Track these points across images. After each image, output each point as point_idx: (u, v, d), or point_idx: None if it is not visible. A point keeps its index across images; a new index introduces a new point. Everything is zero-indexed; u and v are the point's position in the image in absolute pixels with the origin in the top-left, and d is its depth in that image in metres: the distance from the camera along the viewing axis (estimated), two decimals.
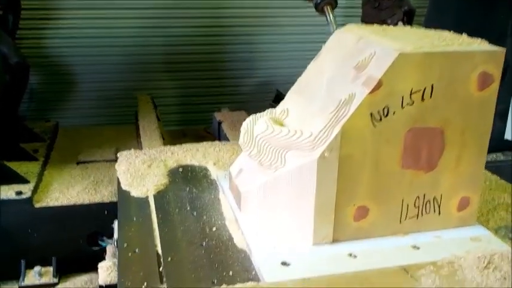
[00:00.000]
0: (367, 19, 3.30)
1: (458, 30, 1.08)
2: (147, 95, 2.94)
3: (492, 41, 1.01)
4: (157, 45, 3.22)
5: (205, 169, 1.41)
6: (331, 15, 1.33)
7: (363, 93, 0.93)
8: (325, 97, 1.05)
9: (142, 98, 2.81)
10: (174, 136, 2.68)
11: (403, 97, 0.95)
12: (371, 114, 0.94)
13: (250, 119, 1.15)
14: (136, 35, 3.13)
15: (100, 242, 1.66)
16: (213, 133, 2.66)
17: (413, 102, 0.96)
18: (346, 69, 1.03)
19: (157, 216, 1.14)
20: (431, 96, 0.97)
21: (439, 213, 1.06)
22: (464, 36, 1.06)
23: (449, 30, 1.09)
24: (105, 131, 2.50)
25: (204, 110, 3.39)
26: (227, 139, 2.25)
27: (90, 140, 2.26)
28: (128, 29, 3.11)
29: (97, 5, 2.97)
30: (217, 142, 1.58)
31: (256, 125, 1.11)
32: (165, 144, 2.06)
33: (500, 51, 0.98)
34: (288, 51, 3.49)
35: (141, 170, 1.36)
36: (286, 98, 1.21)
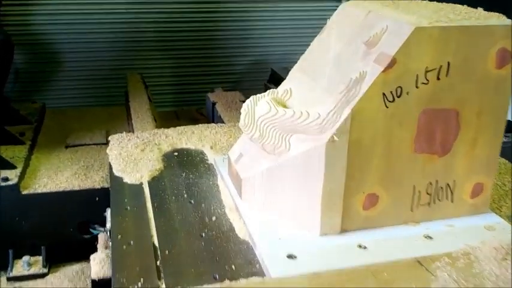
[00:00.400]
0: None
1: None
2: (137, 73, 2.84)
3: None
4: (147, 21, 3.11)
5: (202, 153, 1.34)
6: None
7: (376, 71, 0.86)
8: (333, 75, 0.98)
9: (133, 77, 2.71)
10: (166, 118, 2.60)
11: (417, 76, 0.88)
12: (383, 95, 0.87)
13: (251, 100, 1.07)
14: (125, 11, 3.01)
15: (91, 230, 1.59)
16: (207, 114, 2.58)
17: (428, 82, 0.89)
18: (355, 45, 0.96)
19: (153, 205, 1.07)
20: (447, 74, 0.90)
21: (452, 200, 1.00)
22: (481, 10, 0.99)
23: None
24: (94, 112, 2.42)
25: (197, 91, 3.30)
26: (222, 121, 2.18)
27: (79, 122, 2.17)
28: (117, 4, 2.99)
29: None
30: (213, 124, 1.51)
31: (258, 106, 1.03)
32: (157, 127, 1.99)
33: None
34: (283, 28, 3.40)
35: (134, 155, 1.29)
36: (288, 76, 1.13)
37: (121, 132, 1.46)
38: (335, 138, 0.87)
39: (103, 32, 2.99)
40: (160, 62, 3.26)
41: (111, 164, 1.25)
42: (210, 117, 2.44)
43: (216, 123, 2.36)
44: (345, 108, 0.87)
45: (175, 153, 1.34)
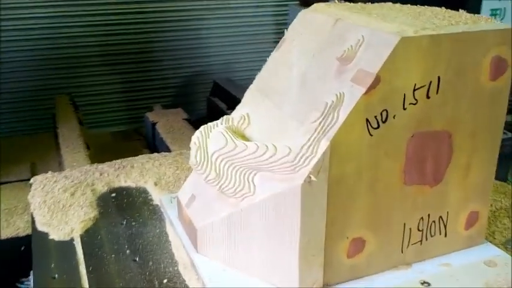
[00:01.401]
0: None
1: None
2: (66, 94, 2.59)
3: None
4: (73, 36, 2.85)
5: (145, 191, 1.14)
6: None
7: (356, 93, 0.70)
8: (300, 98, 0.81)
9: (61, 99, 2.46)
10: (100, 141, 2.35)
11: (405, 95, 0.73)
12: (367, 121, 0.72)
13: (201, 131, 0.89)
14: (50, 26, 2.74)
15: (19, 286, 1.35)
16: (146, 135, 2.37)
17: (417, 101, 0.74)
18: (325, 60, 0.80)
19: (87, 269, 0.85)
20: (437, 91, 0.75)
21: (446, 234, 0.86)
22: (463, 12, 0.86)
23: None
24: (19, 141, 2.14)
25: (135, 107, 3.06)
26: (164, 143, 1.97)
27: (1, 154, 1.90)
28: (44, 19, 2.71)
29: None
30: (156, 155, 1.30)
31: (212, 139, 0.85)
32: (90, 155, 1.76)
33: None
34: (222, 37, 3.23)
35: (62, 201, 1.06)
36: (244, 99, 0.96)
37: (49, 165, 1.24)
38: (312, 178, 0.70)
39: (27, 50, 2.71)
40: (92, 80, 3.00)
41: (33, 216, 1.02)
42: (150, 139, 2.23)
43: (158, 146, 2.16)
44: (322, 140, 0.71)
45: (113, 195, 1.12)
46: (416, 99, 0.74)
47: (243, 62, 3.24)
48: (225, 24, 3.20)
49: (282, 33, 2.90)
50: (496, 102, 0.80)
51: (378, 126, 0.73)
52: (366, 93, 0.69)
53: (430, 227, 0.84)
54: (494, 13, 2.09)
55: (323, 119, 0.71)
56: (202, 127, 0.90)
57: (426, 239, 0.84)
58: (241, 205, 0.79)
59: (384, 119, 0.73)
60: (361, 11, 0.86)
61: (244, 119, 0.90)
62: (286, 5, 3.20)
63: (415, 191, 0.80)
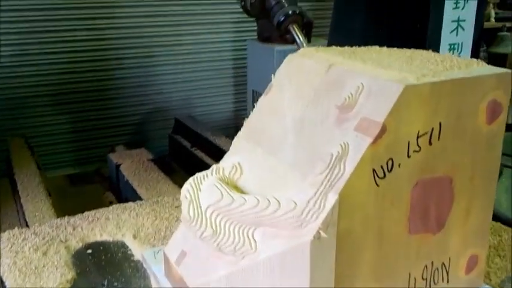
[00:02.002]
0: (266, 33, 3.12)
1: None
2: (21, 136, 2.46)
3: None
4: (29, 75, 2.73)
5: (123, 246, 1.07)
6: (299, 35, 1.06)
7: (363, 143, 0.68)
8: (298, 146, 0.78)
9: (15, 142, 2.33)
10: (60, 186, 2.24)
11: (409, 143, 0.71)
12: (373, 171, 0.69)
13: (191, 183, 0.84)
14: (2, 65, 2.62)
15: None
16: (110, 178, 2.27)
17: (420, 149, 0.73)
18: (322, 107, 0.77)
19: None
20: (439, 137, 0.74)
21: (448, 281, 0.84)
22: (450, 55, 0.86)
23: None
24: None
25: (94, 146, 2.96)
26: (130, 186, 1.89)
27: None
28: None
29: None
30: (131, 204, 1.23)
31: (205, 193, 0.80)
32: (53, 204, 1.66)
33: (508, 73, 0.79)
34: (181, 72, 3.19)
35: (34, 262, 0.98)
36: (233, 147, 0.91)
37: (7, 216, 1.14)
38: (321, 233, 0.67)
39: None
40: (48, 119, 2.88)
41: (3, 280, 0.93)
42: (114, 181, 2.14)
43: (123, 189, 2.07)
44: (329, 193, 0.68)
45: (89, 251, 1.05)
46: (419, 147, 0.72)
47: (203, 97, 3.21)
48: (183, 60, 3.17)
49: (241, 68, 2.92)
50: (492, 145, 0.81)
51: (384, 176, 0.70)
52: (372, 142, 0.67)
53: (434, 274, 0.82)
54: (452, 47, 2.16)
55: (329, 171, 0.68)
56: (191, 179, 0.85)
57: (430, 287, 0.82)
58: (242, 263, 0.74)
59: (389, 168, 0.70)
60: (352, 56, 0.85)
61: (236, 168, 0.86)
62: (244, 40, 3.21)
63: (419, 239, 0.78)
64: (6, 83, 2.71)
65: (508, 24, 4.27)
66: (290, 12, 1.07)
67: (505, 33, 4.24)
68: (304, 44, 1.03)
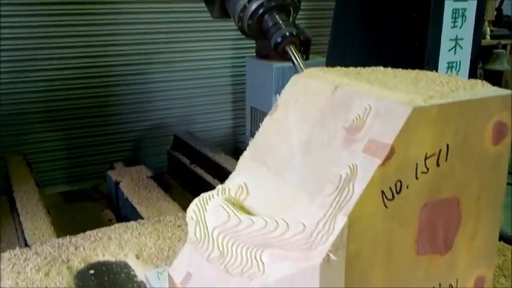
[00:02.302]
0: (264, 51, 3.14)
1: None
2: (19, 153, 2.45)
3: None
4: (26, 92, 2.73)
5: (126, 266, 1.06)
6: (297, 56, 1.07)
7: (372, 165, 0.68)
8: (305, 167, 0.78)
9: (14, 159, 2.32)
10: (58, 204, 2.22)
11: (417, 164, 0.72)
12: (382, 193, 0.69)
13: (197, 204, 0.83)
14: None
15: None
16: (109, 195, 2.26)
17: (428, 170, 0.73)
18: (329, 128, 0.78)
19: None
20: (446, 159, 0.74)
21: None
22: (455, 75, 0.87)
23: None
24: None
25: (92, 163, 2.95)
26: (130, 204, 1.88)
27: None
28: None
29: None
30: (133, 223, 1.22)
31: (211, 214, 0.80)
32: (53, 222, 1.64)
33: None
34: (181, 89, 3.20)
35: (36, 283, 0.97)
36: (239, 167, 0.91)
37: (6, 234, 1.13)
38: (331, 256, 0.66)
39: None
40: (45, 135, 2.87)
41: None
42: (114, 198, 2.13)
43: (122, 206, 2.06)
44: (338, 215, 0.67)
45: (92, 271, 1.04)
46: (427, 168, 0.73)
47: (202, 113, 3.22)
48: (182, 77, 3.19)
49: (240, 84, 2.93)
50: (498, 165, 0.81)
51: (393, 198, 0.70)
52: (381, 164, 0.67)
53: None
54: (450, 66, 2.18)
55: (338, 192, 0.68)
56: (196, 199, 0.85)
57: None
58: (250, 286, 0.74)
59: (398, 190, 0.70)
60: (358, 77, 0.86)
61: (242, 189, 0.85)
62: (243, 57, 3.23)
63: (427, 261, 0.77)
64: (4, 99, 2.70)
65: (503, 42, 4.32)
66: (287, 33, 1.07)
67: (500, 50, 4.29)
68: (302, 65, 1.03)
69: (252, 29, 1.13)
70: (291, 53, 1.07)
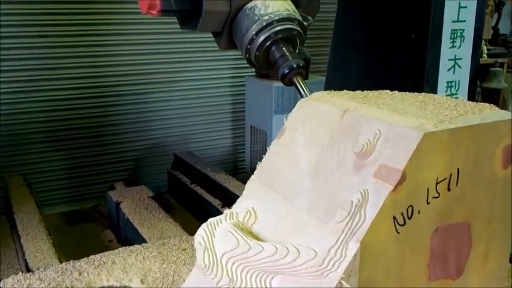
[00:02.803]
0: (263, 71, 3.16)
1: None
2: (19, 174, 2.44)
3: None
4: (26, 112, 2.73)
5: None
6: (304, 87, 1.07)
7: (384, 190, 0.67)
8: (315, 191, 0.78)
9: (14, 180, 2.31)
10: (58, 224, 2.21)
11: (428, 189, 0.71)
12: (394, 219, 0.69)
13: (205, 229, 0.83)
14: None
15: None
16: (109, 215, 2.24)
17: (439, 195, 0.72)
18: (339, 153, 0.77)
19: None
20: (457, 183, 0.74)
21: None
22: (463, 99, 0.87)
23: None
24: None
25: (92, 182, 2.93)
26: (131, 225, 1.87)
27: None
28: None
29: None
30: (137, 247, 1.21)
31: (220, 240, 0.79)
32: (54, 243, 1.63)
33: None
34: (180, 108, 3.21)
35: None
36: (247, 191, 0.91)
37: (6, 256, 1.12)
38: (343, 283, 0.66)
39: None
40: (45, 155, 2.86)
41: None
42: (114, 219, 2.11)
43: (123, 227, 2.04)
44: (350, 241, 0.67)
45: None
46: (438, 193, 0.72)
47: (202, 132, 3.22)
48: (182, 96, 3.19)
49: (240, 103, 2.93)
50: (508, 189, 0.81)
51: (404, 223, 0.70)
52: (393, 190, 0.67)
53: None
54: (449, 85, 2.19)
55: (350, 218, 0.68)
56: (204, 225, 0.84)
57: None
58: None
59: (409, 215, 0.70)
60: (366, 101, 0.86)
61: (250, 213, 0.85)
62: (242, 77, 3.25)
63: (438, 286, 0.77)
64: (4, 119, 2.70)
65: (500, 60, 4.35)
66: (294, 65, 1.09)
67: (497, 68, 4.32)
68: (308, 96, 1.04)
69: (259, 60, 1.14)
70: (298, 84, 1.08)
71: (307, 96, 1.04)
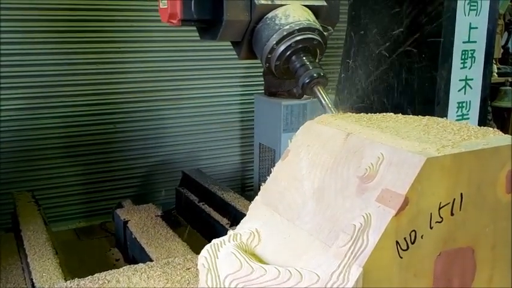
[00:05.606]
0: (272, 88, 3.17)
1: None
2: (27, 190, 2.45)
3: None
4: (36, 128, 2.76)
5: None
6: (324, 96, 1.07)
7: (386, 215, 0.68)
8: (318, 214, 0.78)
9: (22, 197, 2.32)
10: (64, 241, 2.20)
11: (431, 214, 0.71)
12: (397, 243, 0.69)
13: (208, 250, 0.83)
14: (9, 118, 2.66)
15: None
16: (116, 233, 2.24)
17: (442, 220, 0.72)
18: (342, 176, 0.78)
19: None
20: (460, 208, 0.74)
21: None
22: (466, 123, 0.87)
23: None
24: None
25: (100, 199, 2.94)
26: (138, 244, 1.87)
27: None
28: None
29: None
30: (142, 265, 1.22)
31: (223, 261, 0.79)
32: (60, 260, 1.63)
33: None
34: (189, 125, 3.22)
35: None
36: (250, 212, 0.91)
37: (12, 274, 1.12)
38: None
39: None
40: (54, 172, 2.88)
41: None
42: (121, 237, 2.11)
43: (130, 245, 2.04)
44: (353, 266, 0.67)
45: None
46: (441, 217, 0.72)
47: (210, 150, 3.22)
48: (191, 114, 3.20)
49: (248, 121, 2.90)
50: (511, 213, 0.80)
51: (407, 248, 0.70)
52: (396, 215, 0.67)
53: None
54: (460, 106, 2.18)
55: (352, 243, 0.68)
56: (207, 246, 0.85)
57: None
58: None
59: (412, 240, 0.70)
60: (370, 124, 0.86)
61: (254, 235, 0.85)
62: (251, 94, 3.26)
63: None
64: (13, 136, 2.73)
65: (510, 79, 4.33)
66: (315, 74, 1.09)
67: (507, 87, 4.29)
68: (329, 104, 1.04)
69: (280, 69, 1.15)
70: (318, 94, 1.07)
71: (328, 105, 1.04)
